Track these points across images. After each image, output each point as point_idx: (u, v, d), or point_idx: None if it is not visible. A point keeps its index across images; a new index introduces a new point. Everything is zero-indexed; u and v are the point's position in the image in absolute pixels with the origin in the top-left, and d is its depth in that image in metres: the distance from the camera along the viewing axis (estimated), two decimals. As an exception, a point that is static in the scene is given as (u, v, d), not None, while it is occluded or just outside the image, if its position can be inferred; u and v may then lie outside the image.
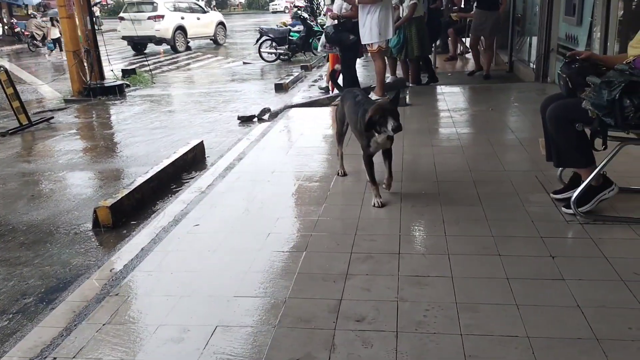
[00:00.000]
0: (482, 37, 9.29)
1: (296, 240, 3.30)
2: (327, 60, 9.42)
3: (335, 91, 8.22)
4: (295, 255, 3.10)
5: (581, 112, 3.15)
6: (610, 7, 5.65)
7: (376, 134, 3.67)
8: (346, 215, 3.59)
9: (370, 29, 6.72)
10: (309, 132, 5.89)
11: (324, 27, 7.51)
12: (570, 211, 3.34)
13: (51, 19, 20.35)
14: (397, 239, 3.23)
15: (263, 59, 15.18)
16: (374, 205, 3.71)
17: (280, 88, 10.41)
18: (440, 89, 8.07)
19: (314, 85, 10.14)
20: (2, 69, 8.29)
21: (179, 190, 5.05)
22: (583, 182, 3.33)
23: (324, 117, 6.83)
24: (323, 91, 9.19)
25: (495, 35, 8.77)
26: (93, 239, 4.18)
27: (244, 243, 3.30)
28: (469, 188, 3.98)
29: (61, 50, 18.07)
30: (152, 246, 3.33)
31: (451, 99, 7.40)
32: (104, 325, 2.52)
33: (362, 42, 6.93)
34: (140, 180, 4.89)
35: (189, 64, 16.19)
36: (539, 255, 2.94)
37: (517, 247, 3.05)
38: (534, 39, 8.82)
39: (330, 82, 8.25)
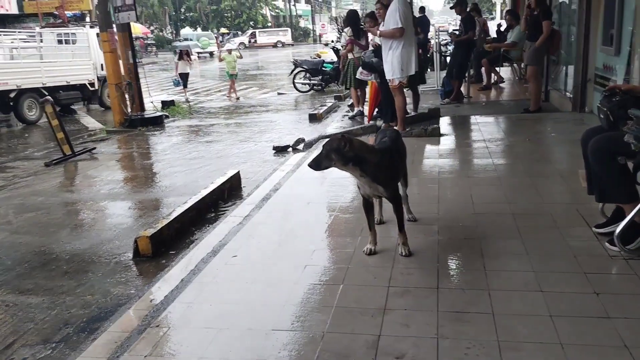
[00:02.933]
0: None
1: (333, 273, 3.29)
2: (349, 87, 9.55)
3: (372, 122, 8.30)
4: (332, 288, 3.10)
5: (624, 145, 3.10)
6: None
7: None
8: (382, 247, 3.57)
9: (392, 64, 6.76)
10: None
11: (363, 55, 7.64)
12: (615, 248, 3.26)
13: (180, 53, 16.44)
14: (435, 273, 3.20)
15: (297, 89, 15.42)
16: (363, 252, 3.50)
17: (314, 118, 10.53)
18: (475, 119, 8.03)
19: (347, 115, 10.22)
20: (49, 102, 8.63)
21: (217, 220, 5.13)
22: (626, 217, 3.25)
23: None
24: (352, 116, 9.29)
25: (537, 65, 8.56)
26: (133, 269, 4.26)
27: (281, 275, 3.32)
28: (508, 221, 3.92)
29: (185, 87, 15.86)
30: (191, 277, 3.37)
31: (486, 129, 7.34)
32: (145, 357, 2.56)
33: (386, 77, 7.00)
34: (179, 210, 4.98)
35: (225, 94, 16.52)
36: (582, 292, 2.86)
37: (559, 283, 2.98)
38: (570, 68, 8.73)
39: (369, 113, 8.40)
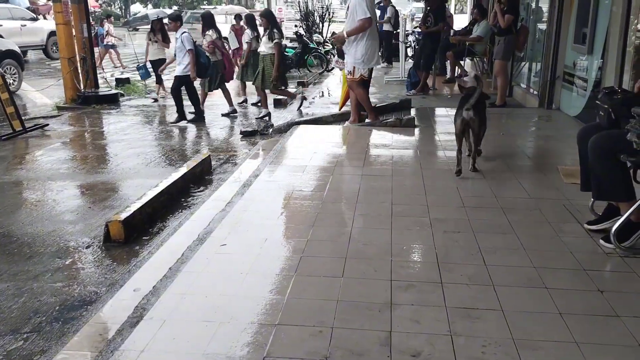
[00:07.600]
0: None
1: (331, 265, 3.15)
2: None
3: (344, 109, 8.17)
4: (333, 281, 2.97)
5: (626, 143, 3.10)
6: (627, 37, 5.64)
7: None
8: (378, 240, 3.47)
9: (354, 57, 6.71)
10: (321, 150, 5.75)
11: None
12: (610, 245, 3.28)
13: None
14: (435, 266, 3.12)
15: (257, 73, 15.07)
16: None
17: (279, 103, 10.32)
18: (446, 111, 8.03)
19: (313, 101, 10.08)
20: (-3, 73, 8.03)
21: (191, 205, 4.90)
22: (622, 215, 3.27)
23: (334, 135, 6.71)
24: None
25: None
26: (105, 255, 4.00)
27: (276, 266, 3.15)
28: (498, 215, 3.90)
29: (159, 82, 11.48)
30: (180, 266, 3.16)
31: (458, 122, 7.34)
32: (142, 352, 2.35)
33: (345, 69, 6.97)
34: (151, 193, 4.72)
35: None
36: (586, 290, 2.85)
37: (562, 280, 2.96)
38: (534, 65, 8.87)
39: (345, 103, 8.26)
